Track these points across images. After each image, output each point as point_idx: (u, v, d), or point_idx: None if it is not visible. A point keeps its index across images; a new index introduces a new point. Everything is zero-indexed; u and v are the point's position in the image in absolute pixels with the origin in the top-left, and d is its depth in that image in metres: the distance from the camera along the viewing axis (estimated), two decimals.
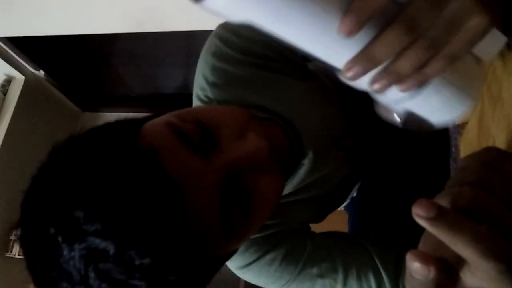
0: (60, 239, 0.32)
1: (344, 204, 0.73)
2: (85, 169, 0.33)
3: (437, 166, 0.54)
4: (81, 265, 0.32)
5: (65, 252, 0.32)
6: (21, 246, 0.36)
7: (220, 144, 0.38)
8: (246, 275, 0.56)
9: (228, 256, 0.45)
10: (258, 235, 0.53)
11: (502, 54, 0.32)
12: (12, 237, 2.07)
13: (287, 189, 0.54)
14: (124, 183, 0.32)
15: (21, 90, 2.18)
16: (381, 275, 0.51)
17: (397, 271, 0.51)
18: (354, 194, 0.72)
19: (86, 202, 0.32)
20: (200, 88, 0.55)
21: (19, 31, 1.80)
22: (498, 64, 0.33)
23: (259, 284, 0.56)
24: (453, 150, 0.42)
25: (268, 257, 0.53)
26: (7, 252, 2.06)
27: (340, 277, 0.52)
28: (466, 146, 0.39)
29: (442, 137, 0.45)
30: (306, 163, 0.53)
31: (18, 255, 2.04)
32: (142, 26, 1.60)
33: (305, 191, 0.56)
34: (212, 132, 0.38)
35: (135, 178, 0.32)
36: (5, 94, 2.18)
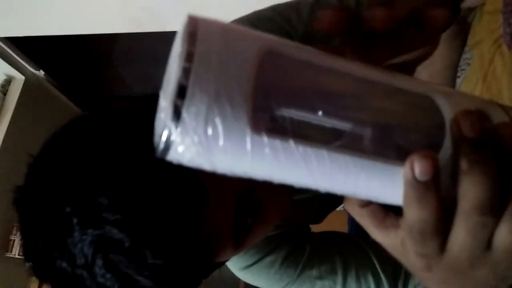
0: (75, 220, 0.31)
1: (343, 204, 0.73)
2: (117, 154, 0.32)
3: None
4: (90, 250, 0.31)
5: (76, 234, 0.31)
6: (20, 210, 0.36)
7: None
8: (246, 277, 0.56)
9: (225, 261, 0.44)
10: None
11: (502, 54, 0.32)
12: (12, 237, 2.07)
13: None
14: (154, 179, 0.31)
15: (21, 90, 2.18)
16: (380, 276, 0.51)
17: (396, 273, 0.52)
18: None
19: (112, 190, 0.31)
20: None
21: (19, 31, 1.79)
22: (498, 64, 0.33)
23: (259, 286, 0.57)
24: None
25: (268, 259, 0.53)
26: (7, 252, 2.06)
27: (339, 278, 0.52)
28: None
29: None
30: None
31: (18, 255, 2.04)
32: (142, 26, 1.60)
33: (305, 191, 0.56)
34: None
35: (166, 177, 0.31)
36: (5, 94, 2.18)
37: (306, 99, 0.22)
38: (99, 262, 0.31)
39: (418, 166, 0.21)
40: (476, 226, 0.21)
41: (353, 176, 0.22)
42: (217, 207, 0.34)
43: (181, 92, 0.20)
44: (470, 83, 0.38)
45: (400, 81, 0.24)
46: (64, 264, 0.33)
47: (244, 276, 0.57)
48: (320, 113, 0.21)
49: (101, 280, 0.32)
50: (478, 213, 0.21)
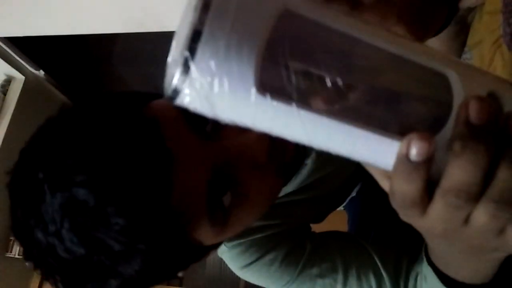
0: (46, 186, 0.32)
1: (343, 204, 0.73)
2: (86, 124, 0.35)
3: None
4: (59, 214, 0.32)
5: (47, 199, 0.32)
6: (9, 191, 0.36)
7: (224, 133, 0.38)
8: (247, 275, 0.56)
9: (210, 248, 0.43)
10: (259, 235, 0.53)
11: (502, 54, 0.32)
12: (12, 237, 2.07)
13: (289, 188, 0.55)
14: (120, 142, 0.33)
15: (21, 90, 2.18)
16: (381, 274, 0.51)
17: (397, 270, 0.51)
18: (354, 194, 0.72)
19: (78, 153, 0.32)
20: None
21: (19, 31, 1.79)
22: (498, 64, 0.33)
23: (259, 284, 0.56)
24: None
25: (268, 257, 0.53)
26: (7, 252, 2.06)
27: (340, 277, 0.52)
28: None
29: None
30: (309, 163, 0.54)
31: (18, 255, 2.04)
32: (142, 26, 1.60)
33: (306, 190, 0.56)
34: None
35: (131, 140, 0.33)
36: (5, 94, 2.18)
37: (316, 61, 0.22)
38: (66, 225, 0.32)
39: (414, 147, 0.22)
40: (451, 205, 0.23)
41: (349, 143, 0.23)
42: (186, 176, 0.34)
43: (193, 40, 0.20)
44: None
45: (415, 51, 0.24)
46: (39, 234, 0.33)
47: (244, 274, 0.56)
48: (327, 76, 0.22)
49: (69, 245, 0.32)
50: (454, 195, 0.22)
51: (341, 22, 0.23)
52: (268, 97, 0.21)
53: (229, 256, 0.55)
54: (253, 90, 0.21)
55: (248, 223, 0.44)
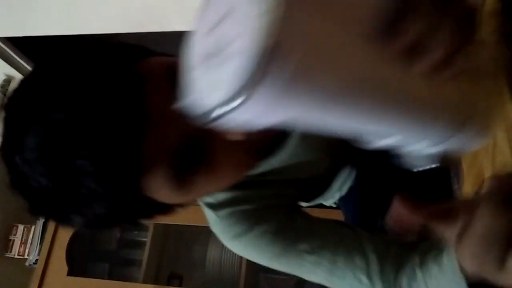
0: (30, 119, 0.35)
1: (334, 201, 0.73)
2: (76, 70, 0.37)
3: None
4: (35, 146, 0.34)
5: (30, 131, 0.35)
6: (4, 119, 0.38)
7: None
8: (236, 247, 0.57)
9: (164, 208, 0.45)
10: (249, 207, 0.55)
11: (501, 55, 0.32)
12: (12, 237, 2.07)
13: (275, 164, 0.55)
14: (103, 91, 0.34)
15: None
16: (368, 256, 0.51)
17: (385, 253, 0.51)
18: (343, 193, 0.72)
19: (62, 94, 0.35)
20: None
21: (19, 31, 1.79)
22: None
23: (247, 257, 0.58)
24: None
25: (259, 229, 0.54)
26: (7, 252, 2.06)
27: (327, 255, 0.52)
28: None
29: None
30: (291, 146, 0.54)
31: (18, 255, 2.04)
32: (142, 26, 1.60)
33: (290, 172, 0.57)
34: None
35: (114, 92, 0.34)
36: (4, 94, 2.18)
37: None
38: (39, 157, 0.34)
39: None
40: None
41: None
42: (155, 137, 0.36)
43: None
44: None
45: None
46: (17, 159, 0.35)
47: (234, 246, 0.57)
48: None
49: (38, 175, 0.35)
50: None
51: None
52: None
53: (220, 228, 0.56)
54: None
55: (210, 191, 0.49)
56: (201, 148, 0.39)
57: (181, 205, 0.47)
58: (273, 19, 0.17)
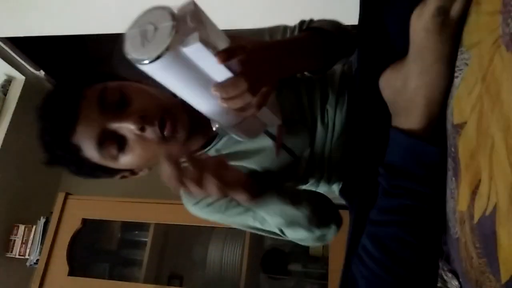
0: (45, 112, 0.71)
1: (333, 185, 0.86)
2: (59, 88, 0.71)
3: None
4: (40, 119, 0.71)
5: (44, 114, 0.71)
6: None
7: (126, 111, 0.65)
8: (196, 211, 0.80)
9: (104, 170, 0.72)
10: None
11: (501, 55, 0.32)
12: (12, 237, 2.07)
13: (222, 149, 0.79)
14: (60, 101, 0.68)
15: (21, 90, 2.18)
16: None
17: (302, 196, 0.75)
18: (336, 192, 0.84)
19: (48, 100, 0.71)
20: None
21: (19, 31, 1.80)
22: (497, 64, 0.33)
23: (205, 217, 0.80)
24: (452, 149, 0.42)
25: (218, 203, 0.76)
26: (7, 252, 2.06)
27: (252, 214, 0.75)
28: (465, 146, 0.39)
29: (439, 137, 0.45)
30: (223, 140, 0.78)
31: (18, 255, 2.04)
32: None
33: (238, 157, 0.78)
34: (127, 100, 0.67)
35: (67, 102, 0.67)
36: (5, 94, 2.18)
37: None
38: (41, 124, 0.71)
39: None
40: None
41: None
42: (83, 128, 0.65)
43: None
44: (469, 83, 0.38)
45: None
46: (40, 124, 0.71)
47: (195, 211, 0.80)
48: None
49: (46, 138, 0.71)
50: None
51: None
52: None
53: (184, 195, 0.80)
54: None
55: (133, 167, 0.73)
56: (121, 136, 0.66)
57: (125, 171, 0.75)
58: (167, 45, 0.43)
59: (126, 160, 0.67)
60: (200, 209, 0.78)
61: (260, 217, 0.75)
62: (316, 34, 0.70)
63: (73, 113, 0.64)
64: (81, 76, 0.71)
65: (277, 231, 0.77)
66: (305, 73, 0.73)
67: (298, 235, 0.76)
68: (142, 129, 0.63)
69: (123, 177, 0.76)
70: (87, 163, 0.68)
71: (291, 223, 0.73)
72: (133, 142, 0.65)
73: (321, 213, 0.74)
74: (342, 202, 0.83)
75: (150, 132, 0.64)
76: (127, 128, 0.64)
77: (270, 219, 0.74)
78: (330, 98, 0.78)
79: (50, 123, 0.67)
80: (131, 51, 0.44)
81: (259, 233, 0.81)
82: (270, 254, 1.85)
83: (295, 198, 0.73)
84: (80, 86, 0.67)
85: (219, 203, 0.75)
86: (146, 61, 0.43)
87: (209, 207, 0.76)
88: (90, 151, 0.66)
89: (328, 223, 0.76)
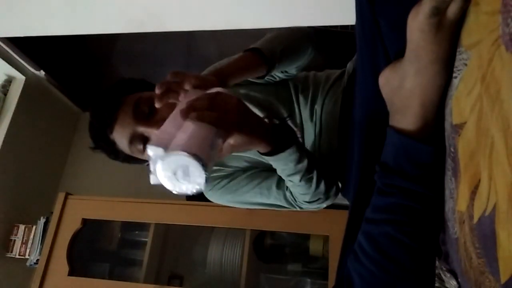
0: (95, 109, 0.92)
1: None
2: (104, 93, 0.93)
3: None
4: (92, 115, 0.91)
5: (95, 111, 0.91)
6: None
7: (152, 120, 0.83)
8: (211, 196, 0.98)
9: (134, 159, 0.89)
10: (217, 174, 0.98)
11: (501, 55, 0.32)
12: (13, 237, 2.07)
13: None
14: (103, 104, 0.88)
15: (22, 90, 2.18)
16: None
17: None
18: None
19: (98, 103, 0.91)
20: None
21: (19, 31, 1.79)
22: (497, 64, 0.33)
23: (219, 200, 0.99)
24: (452, 149, 0.42)
25: (221, 184, 0.97)
26: (7, 252, 2.06)
27: (259, 190, 0.95)
28: (465, 146, 0.39)
29: (438, 138, 0.45)
30: None
31: (18, 255, 2.04)
32: (142, 26, 1.60)
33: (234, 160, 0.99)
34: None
35: (107, 105, 0.87)
36: (5, 94, 2.18)
37: None
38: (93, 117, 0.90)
39: None
40: None
41: None
42: (119, 127, 0.84)
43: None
44: (468, 83, 0.38)
45: None
46: (91, 118, 0.90)
47: (210, 196, 0.98)
48: None
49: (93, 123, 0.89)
50: None
51: None
52: None
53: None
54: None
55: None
56: (145, 138, 0.83)
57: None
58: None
59: None
60: (214, 192, 0.96)
61: (266, 191, 0.93)
62: (252, 53, 0.89)
63: (112, 116, 0.83)
64: (124, 84, 0.91)
65: (283, 200, 0.93)
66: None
67: (300, 189, 0.86)
68: None
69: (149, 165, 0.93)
70: (121, 153, 0.87)
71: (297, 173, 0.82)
72: None
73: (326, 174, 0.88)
74: (344, 202, 0.84)
75: None
76: (152, 132, 0.81)
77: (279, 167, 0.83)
78: (318, 99, 0.95)
79: (96, 120, 0.87)
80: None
81: (265, 208, 0.97)
82: (270, 254, 1.85)
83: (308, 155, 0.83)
84: (122, 93, 0.87)
85: (230, 184, 0.95)
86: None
87: (222, 189, 0.95)
88: (123, 146, 0.85)
89: (332, 184, 0.90)
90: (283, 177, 0.86)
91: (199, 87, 0.71)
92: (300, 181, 0.83)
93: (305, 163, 0.80)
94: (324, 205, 0.92)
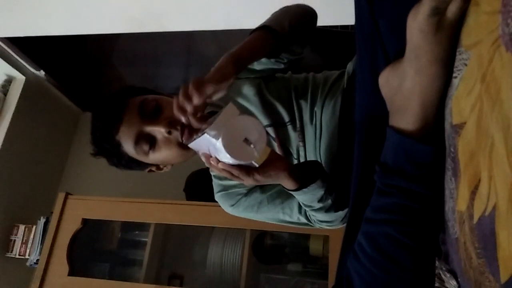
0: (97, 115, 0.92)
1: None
2: (108, 98, 0.91)
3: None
4: (96, 120, 0.91)
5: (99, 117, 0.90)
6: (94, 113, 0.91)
7: (157, 120, 0.85)
8: (233, 212, 0.98)
9: (149, 165, 0.92)
10: (236, 190, 0.98)
11: (501, 55, 0.32)
12: (12, 237, 2.07)
13: None
14: (108, 108, 0.88)
15: (22, 90, 2.18)
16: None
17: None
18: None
19: (99, 109, 0.91)
20: None
21: (19, 31, 1.80)
22: (497, 64, 0.33)
23: (241, 216, 0.99)
24: (452, 149, 0.42)
25: (242, 201, 0.97)
26: (7, 252, 2.06)
27: (281, 209, 0.96)
28: (465, 146, 0.39)
29: (438, 138, 0.45)
30: None
31: (18, 255, 2.04)
32: (142, 26, 1.60)
33: None
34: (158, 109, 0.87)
35: (113, 109, 0.86)
36: (5, 94, 2.18)
37: None
38: (96, 123, 0.90)
39: None
40: None
41: None
42: (125, 128, 0.84)
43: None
44: (468, 83, 0.38)
45: None
46: (95, 122, 0.90)
47: (232, 212, 0.98)
48: None
49: (99, 131, 0.89)
50: None
51: None
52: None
53: (220, 199, 0.98)
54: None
55: (159, 162, 0.91)
56: (153, 137, 0.85)
57: (153, 165, 0.93)
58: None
59: (154, 156, 0.86)
60: (235, 209, 0.97)
61: (288, 211, 0.94)
62: (263, 31, 0.87)
63: (118, 116, 0.84)
64: (127, 89, 0.93)
65: (305, 221, 0.94)
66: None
67: (326, 217, 0.88)
68: (169, 132, 0.82)
69: (150, 171, 0.95)
70: (125, 156, 0.87)
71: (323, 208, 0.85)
72: (161, 142, 0.84)
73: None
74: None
75: (175, 135, 0.83)
76: (158, 130, 0.83)
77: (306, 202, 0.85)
78: (318, 101, 0.95)
79: (101, 122, 0.87)
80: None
81: (289, 225, 0.98)
82: (270, 254, 1.85)
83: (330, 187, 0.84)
84: (126, 96, 0.88)
85: (251, 203, 0.96)
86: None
87: (244, 208, 0.97)
88: (128, 147, 0.85)
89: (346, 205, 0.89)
90: (305, 208, 0.88)
91: (218, 86, 0.74)
92: (320, 213, 0.86)
93: (329, 201, 0.83)
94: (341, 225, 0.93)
